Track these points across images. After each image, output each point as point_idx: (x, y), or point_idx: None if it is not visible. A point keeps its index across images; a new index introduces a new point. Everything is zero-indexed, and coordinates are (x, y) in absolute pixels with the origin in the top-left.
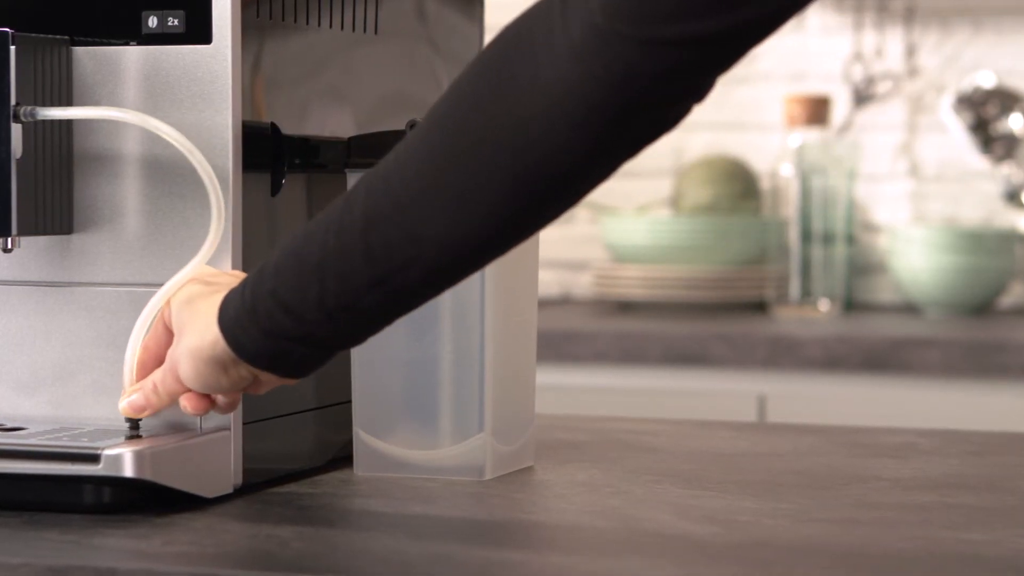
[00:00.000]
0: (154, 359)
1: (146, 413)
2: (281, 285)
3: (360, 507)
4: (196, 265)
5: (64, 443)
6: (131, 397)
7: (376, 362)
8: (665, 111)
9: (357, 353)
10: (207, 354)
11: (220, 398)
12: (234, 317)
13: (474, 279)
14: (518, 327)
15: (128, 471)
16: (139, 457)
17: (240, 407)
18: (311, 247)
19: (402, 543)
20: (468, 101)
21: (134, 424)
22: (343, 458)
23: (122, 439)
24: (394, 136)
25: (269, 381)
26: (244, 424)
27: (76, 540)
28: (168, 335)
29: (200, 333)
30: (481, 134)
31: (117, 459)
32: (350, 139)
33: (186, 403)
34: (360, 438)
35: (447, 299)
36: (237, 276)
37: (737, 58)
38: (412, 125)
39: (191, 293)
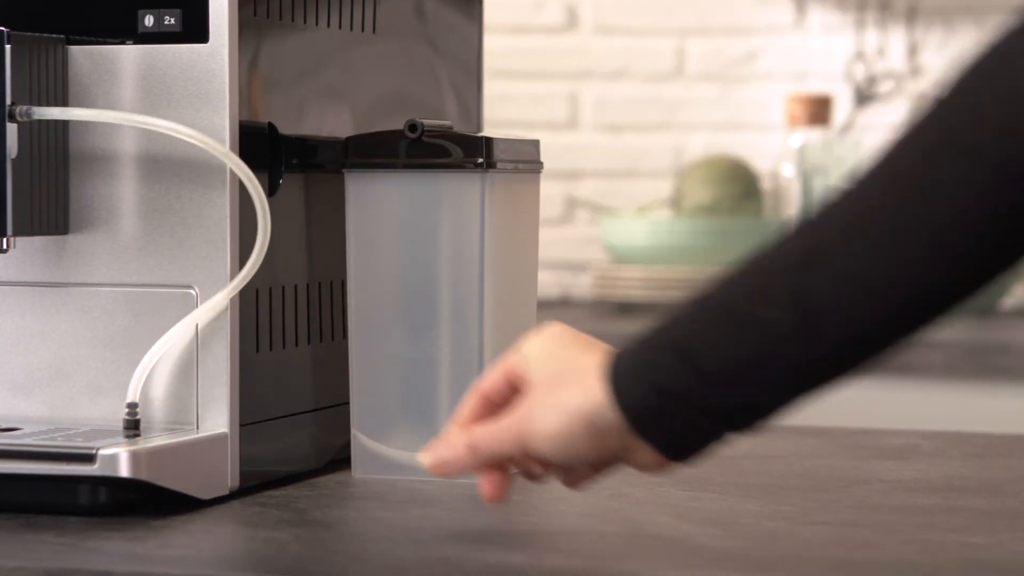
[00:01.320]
0: (485, 410)
1: (448, 471)
2: (686, 333)
3: (358, 510)
4: (251, 267)
5: (59, 443)
6: (440, 451)
7: (374, 364)
8: None
9: (355, 355)
10: (585, 411)
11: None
12: (622, 372)
13: (472, 280)
14: (517, 328)
15: (124, 471)
16: (135, 457)
17: (238, 409)
18: (726, 292)
19: (400, 547)
20: (938, 114)
21: (131, 424)
22: (341, 461)
23: (118, 439)
24: (392, 136)
25: (644, 461)
26: (241, 426)
27: (72, 543)
28: (510, 391)
29: (582, 389)
30: (954, 134)
31: (113, 459)
32: (348, 139)
33: (487, 485)
34: (358, 440)
35: (445, 299)
36: (597, 342)
37: None
38: (412, 126)
39: (561, 347)
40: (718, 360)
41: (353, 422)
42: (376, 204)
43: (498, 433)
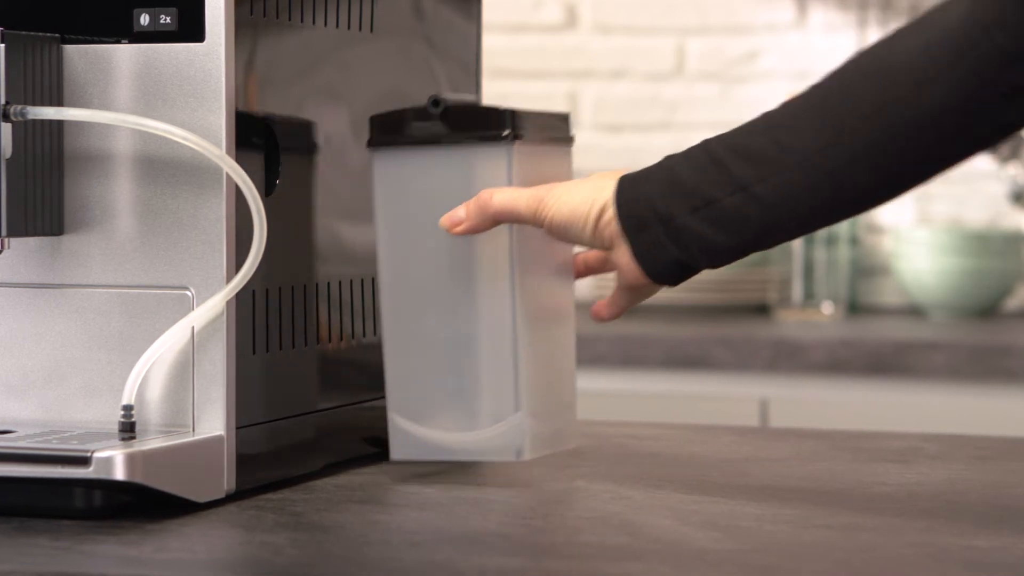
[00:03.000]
0: None
1: (459, 227)
2: (682, 163)
3: (355, 514)
4: (243, 274)
5: (54, 446)
6: (455, 211)
7: (409, 343)
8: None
9: (389, 336)
10: (596, 201)
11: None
12: (630, 180)
13: (503, 254)
14: (553, 303)
15: (119, 474)
16: (130, 460)
17: (235, 411)
18: (720, 139)
19: (398, 550)
20: (881, 42)
21: (127, 427)
22: (338, 463)
23: (114, 442)
24: (416, 113)
25: (622, 262)
26: (238, 428)
27: (67, 546)
28: None
29: (601, 184)
30: (869, 63)
31: (108, 461)
32: (372, 118)
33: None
34: (395, 423)
35: (478, 275)
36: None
37: None
38: (435, 102)
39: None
40: (687, 195)
41: (390, 404)
42: (403, 182)
43: (515, 194)
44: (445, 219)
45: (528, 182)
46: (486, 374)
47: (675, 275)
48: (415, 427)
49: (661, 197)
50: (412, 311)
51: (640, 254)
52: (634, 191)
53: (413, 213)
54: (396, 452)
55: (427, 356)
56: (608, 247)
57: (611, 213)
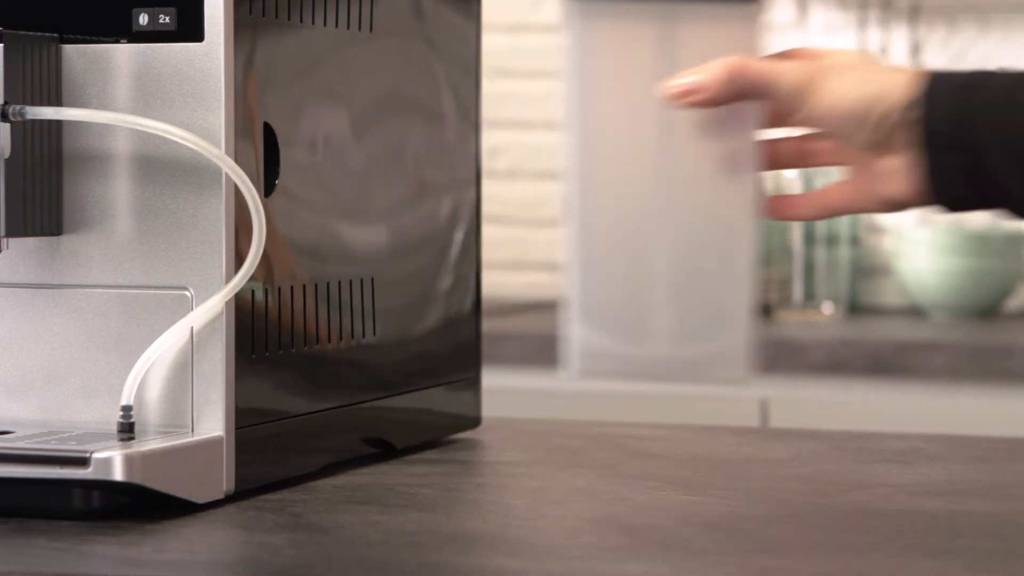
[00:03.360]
0: None
1: (693, 97)
2: (1005, 83)
3: (355, 514)
4: (240, 278)
5: (53, 446)
6: (691, 76)
7: (601, 241)
8: None
9: (577, 230)
10: (893, 96)
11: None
12: (941, 87)
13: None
14: (749, 198)
15: (118, 475)
16: (129, 460)
17: (234, 412)
18: None
19: (398, 551)
20: None
21: (126, 428)
22: (338, 463)
23: (112, 442)
24: None
25: (901, 171)
26: (237, 429)
27: (66, 547)
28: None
29: (896, 78)
30: None
31: (107, 462)
32: None
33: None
34: (580, 336)
35: (687, 170)
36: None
37: None
38: None
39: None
40: (1014, 121)
41: (574, 314)
42: (603, 50)
43: (776, 65)
44: (675, 85)
45: (749, 52)
46: (703, 282)
47: (962, 208)
48: (606, 341)
49: (987, 120)
50: (608, 202)
51: (936, 173)
52: (953, 98)
53: (614, 90)
54: (580, 371)
55: (625, 258)
56: (886, 152)
57: (914, 115)
